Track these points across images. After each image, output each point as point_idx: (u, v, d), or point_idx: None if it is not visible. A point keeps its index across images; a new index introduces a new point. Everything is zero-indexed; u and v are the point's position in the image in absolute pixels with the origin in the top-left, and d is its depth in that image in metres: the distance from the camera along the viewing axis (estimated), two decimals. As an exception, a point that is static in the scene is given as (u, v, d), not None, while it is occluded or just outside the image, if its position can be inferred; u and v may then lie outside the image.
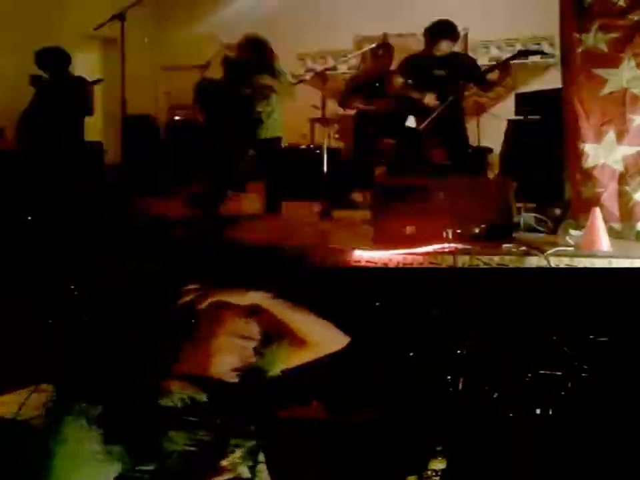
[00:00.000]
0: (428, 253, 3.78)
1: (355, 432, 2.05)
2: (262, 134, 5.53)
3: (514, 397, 2.73)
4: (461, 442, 2.59)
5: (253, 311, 1.76)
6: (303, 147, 7.45)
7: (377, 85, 6.39)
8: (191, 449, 1.62)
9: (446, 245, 3.90)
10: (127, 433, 1.58)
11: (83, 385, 1.75)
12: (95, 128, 6.89)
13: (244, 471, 1.70)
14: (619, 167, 4.25)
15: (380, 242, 4.02)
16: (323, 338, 1.87)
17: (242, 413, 1.74)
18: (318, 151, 6.52)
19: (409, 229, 4.18)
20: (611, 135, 4.24)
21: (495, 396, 2.73)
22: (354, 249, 3.89)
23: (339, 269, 3.78)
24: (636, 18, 4.15)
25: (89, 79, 6.18)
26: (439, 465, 2.57)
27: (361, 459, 2.07)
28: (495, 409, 2.72)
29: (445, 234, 4.02)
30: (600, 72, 4.23)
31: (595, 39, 4.21)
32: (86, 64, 8.32)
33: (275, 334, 1.85)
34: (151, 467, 1.58)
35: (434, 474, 2.55)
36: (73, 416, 1.59)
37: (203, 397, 1.70)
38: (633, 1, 4.14)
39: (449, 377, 2.78)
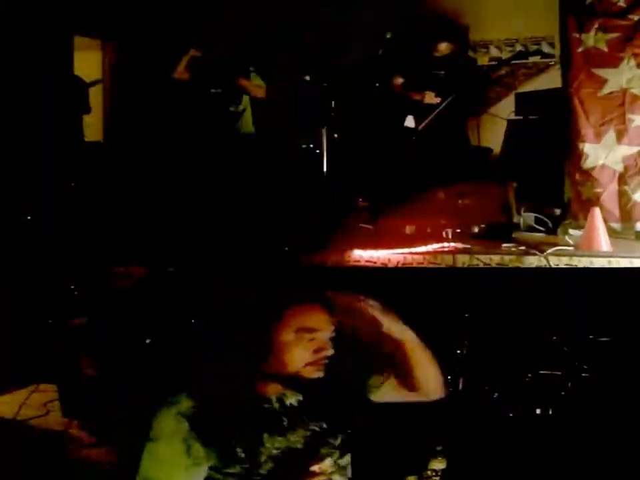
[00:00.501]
0: (428, 253, 3.79)
1: (355, 432, 2.05)
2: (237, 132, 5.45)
3: (514, 396, 2.73)
4: (461, 442, 2.59)
5: (321, 303, 1.73)
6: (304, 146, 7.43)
7: (377, 84, 6.39)
8: (279, 453, 1.62)
9: (446, 244, 3.91)
10: (218, 433, 1.57)
11: (175, 381, 1.74)
12: (95, 128, 6.88)
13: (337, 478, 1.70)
14: (619, 167, 4.25)
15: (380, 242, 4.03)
16: (432, 387, 1.86)
17: (333, 421, 1.73)
18: (318, 151, 6.52)
19: (409, 229, 4.19)
20: (610, 134, 4.24)
21: (495, 396, 2.73)
22: (354, 249, 3.90)
23: (338, 268, 3.78)
24: (636, 18, 4.15)
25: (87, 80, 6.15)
26: (439, 464, 2.57)
27: (361, 459, 2.07)
28: (495, 408, 2.72)
29: (444, 234, 4.03)
30: (600, 72, 4.23)
31: (595, 39, 4.21)
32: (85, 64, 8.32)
33: (386, 362, 1.82)
34: (237, 470, 1.58)
35: (434, 474, 2.55)
36: (166, 409, 1.60)
37: (292, 399, 1.70)
38: (633, 1, 4.15)
39: (449, 377, 2.78)
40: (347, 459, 1.77)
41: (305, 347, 1.69)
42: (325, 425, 1.72)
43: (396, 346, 1.77)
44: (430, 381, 1.85)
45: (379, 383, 1.86)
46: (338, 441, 1.74)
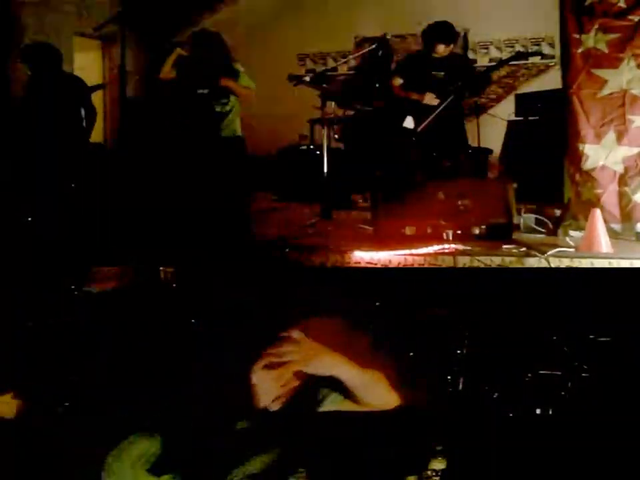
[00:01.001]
0: (428, 254, 3.79)
1: (355, 431, 2.05)
2: (219, 133, 5.36)
3: (514, 396, 2.73)
4: (461, 442, 2.58)
5: (287, 336, 1.71)
6: (303, 147, 7.47)
7: (377, 85, 6.40)
8: None
9: (446, 245, 3.91)
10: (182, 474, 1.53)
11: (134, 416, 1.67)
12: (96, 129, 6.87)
13: None
14: (619, 168, 4.25)
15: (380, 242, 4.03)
16: (377, 401, 1.85)
17: (292, 444, 1.72)
18: (318, 152, 6.53)
19: (409, 230, 4.19)
20: (610, 135, 4.25)
21: (495, 396, 2.72)
22: (354, 249, 3.90)
23: (339, 269, 3.78)
24: (636, 18, 4.16)
25: (87, 82, 6.10)
26: (439, 465, 2.57)
27: (361, 459, 2.07)
28: (494, 408, 2.71)
29: (445, 235, 4.03)
30: (600, 72, 4.24)
31: (595, 39, 4.22)
32: (86, 64, 8.33)
33: (331, 383, 1.80)
34: None
35: (434, 474, 2.54)
36: (122, 453, 1.55)
37: (246, 426, 1.69)
38: (633, 2, 4.15)
39: (449, 377, 2.78)
40: None
41: (273, 381, 1.68)
42: (283, 449, 1.71)
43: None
44: (379, 400, 1.84)
45: (323, 395, 1.85)
46: (296, 464, 1.72)
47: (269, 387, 1.67)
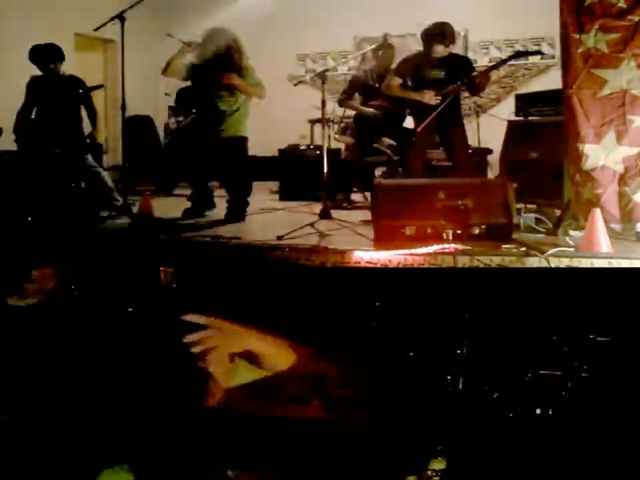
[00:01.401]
0: (428, 254, 3.79)
1: (355, 432, 2.05)
2: (222, 133, 5.35)
3: (514, 396, 2.73)
4: (461, 442, 2.59)
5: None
6: (303, 147, 7.49)
7: (377, 85, 6.40)
8: None
9: (446, 245, 3.90)
10: None
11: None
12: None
13: None
14: (619, 168, 4.25)
15: (380, 242, 4.04)
16: (275, 360, 1.80)
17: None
18: (318, 152, 6.55)
19: (409, 230, 4.18)
20: (610, 135, 4.24)
21: (495, 396, 2.73)
22: (354, 249, 3.90)
23: (339, 269, 3.77)
24: (636, 19, 4.15)
25: (86, 82, 6.08)
26: (438, 465, 2.57)
27: (361, 459, 2.07)
28: (495, 408, 2.72)
29: (445, 235, 4.03)
30: (600, 72, 4.23)
31: (595, 39, 4.21)
32: (86, 64, 8.34)
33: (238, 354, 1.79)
34: None
35: (434, 474, 2.54)
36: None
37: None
38: (633, 2, 4.15)
39: (448, 377, 2.78)
40: None
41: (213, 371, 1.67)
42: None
43: None
44: (279, 363, 1.79)
45: (234, 370, 1.83)
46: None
47: (215, 380, 1.65)
